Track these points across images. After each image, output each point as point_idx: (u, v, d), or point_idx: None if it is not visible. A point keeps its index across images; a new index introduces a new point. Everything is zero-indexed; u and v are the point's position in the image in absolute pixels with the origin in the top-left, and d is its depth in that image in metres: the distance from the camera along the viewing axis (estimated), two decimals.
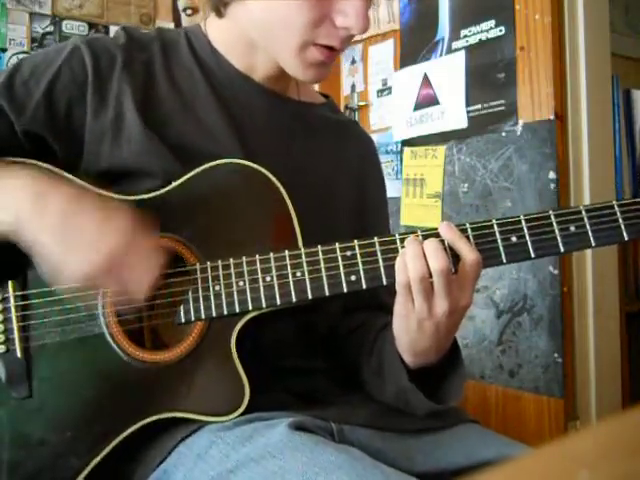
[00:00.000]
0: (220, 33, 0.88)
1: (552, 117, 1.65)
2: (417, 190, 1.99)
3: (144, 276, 0.70)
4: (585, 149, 1.68)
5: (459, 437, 0.82)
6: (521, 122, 1.71)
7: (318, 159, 0.91)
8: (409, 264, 0.71)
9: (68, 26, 2.16)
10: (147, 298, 0.78)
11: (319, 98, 1.00)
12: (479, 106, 1.81)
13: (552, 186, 1.63)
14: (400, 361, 0.79)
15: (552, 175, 1.64)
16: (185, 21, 2.41)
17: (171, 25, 2.36)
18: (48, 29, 2.14)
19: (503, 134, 1.75)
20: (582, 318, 1.66)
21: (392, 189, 2.08)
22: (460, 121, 1.86)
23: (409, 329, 0.74)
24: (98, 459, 0.73)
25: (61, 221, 0.69)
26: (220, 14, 0.85)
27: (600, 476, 0.25)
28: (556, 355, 1.62)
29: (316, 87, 2.33)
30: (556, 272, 1.63)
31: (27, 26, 2.11)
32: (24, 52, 2.09)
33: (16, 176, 0.73)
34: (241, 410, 0.73)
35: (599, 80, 1.72)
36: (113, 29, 2.20)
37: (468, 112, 1.84)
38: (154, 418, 0.74)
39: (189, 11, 2.41)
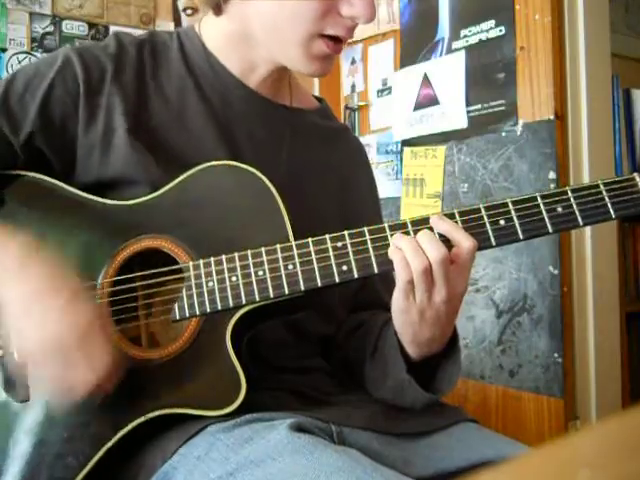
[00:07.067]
0: (216, 33, 0.88)
1: (552, 117, 1.65)
2: (417, 190, 1.99)
3: (87, 375, 0.69)
4: (585, 149, 1.68)
5: (457, 437, 0.82)
6: (521, 122, 1.71)
7: (305, 166, 0.91)
8: (411, 259, 0.71)
9: (68, 26, 2.16)
10: (143, 297, 0.79)
11: (312, 103, 1.00)
12: (479, 106, 1.81)
13: (552, 186, 1.63)
14: (400, 355, 0.79)
15: (552, 175, 1.64)
16: (185, 21, 2.40)
17: (171, 25, 2.36)
18: (48, 29, 2.13)
19: (503, 134, 1.75)
20: (582, 318, 1.66)
21: (392, 189, 2.09)
22: (460, 121, 1.86)
23: (412, 322, 0.75)
24: (96, 459, 0.73)
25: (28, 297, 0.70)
26: (219, 11, 0.84)
27: (600, 476, 0.25)
28: (556, 355, 1.62)
29: (316, 87, 2.34)
30: (556, 272, 1.63)
31: (27, 26, 2.10)
32: (24, 52, 2.09)
33: None
34: (239, 401, 0.73)
35: (599, 80, 1.72)
36: (113, 29, 2.20)
37: (468, 112, 1.84)
38: (151, 415, 0.74)
39: (189, 11, 2.41)
